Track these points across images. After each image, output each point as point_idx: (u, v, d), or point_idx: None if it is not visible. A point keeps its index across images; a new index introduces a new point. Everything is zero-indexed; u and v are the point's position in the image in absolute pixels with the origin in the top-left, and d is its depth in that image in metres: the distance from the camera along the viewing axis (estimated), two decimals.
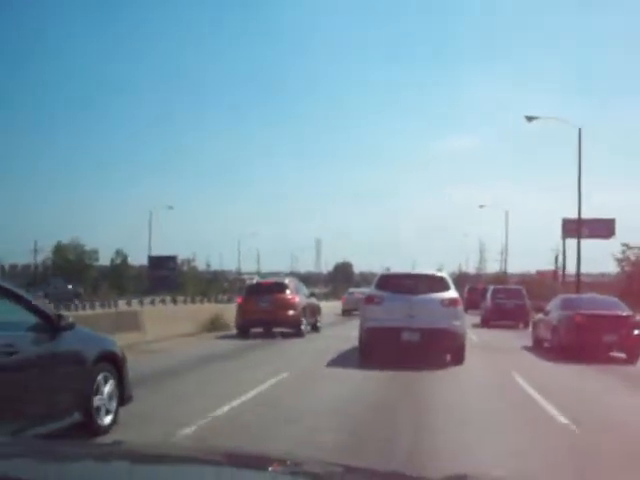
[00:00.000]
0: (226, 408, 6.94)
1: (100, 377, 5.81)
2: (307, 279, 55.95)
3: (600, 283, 34.26)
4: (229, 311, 19.46)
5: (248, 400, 7.52)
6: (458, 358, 11.17)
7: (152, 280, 57.10)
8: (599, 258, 53.85)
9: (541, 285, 40.39)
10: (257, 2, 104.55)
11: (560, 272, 42.54)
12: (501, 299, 24.33)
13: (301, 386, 8.92)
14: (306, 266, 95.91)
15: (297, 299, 17.29)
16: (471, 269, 74.48)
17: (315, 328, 18.71)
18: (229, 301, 31.55)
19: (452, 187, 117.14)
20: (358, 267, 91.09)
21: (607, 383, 9.81)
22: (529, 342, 15.69)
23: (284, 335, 16.54)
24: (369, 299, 11.73)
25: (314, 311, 18.97)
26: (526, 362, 12.42)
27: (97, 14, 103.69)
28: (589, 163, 26.33)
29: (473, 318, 23.64)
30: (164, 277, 57.33)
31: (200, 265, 67.60)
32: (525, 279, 47.20)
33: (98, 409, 5.71)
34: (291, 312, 16.88)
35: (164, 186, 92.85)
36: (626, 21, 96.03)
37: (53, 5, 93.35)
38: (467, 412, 7.17)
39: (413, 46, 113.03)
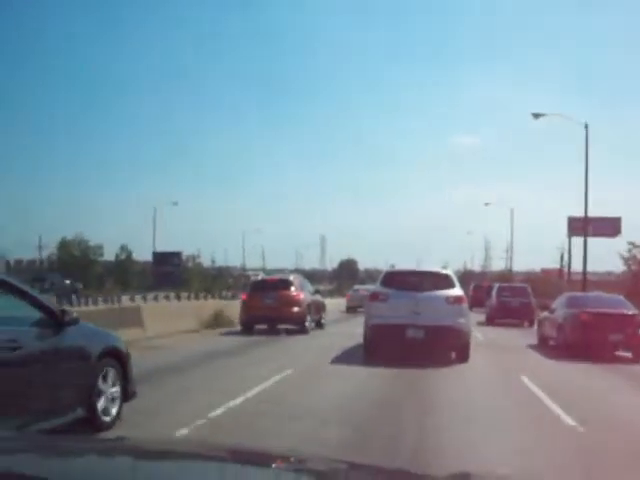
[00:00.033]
0: (230, 404, 6.92)
1: (104, 373, 5.80)
2: (312, 276, 55.86)
3: (606, 281, 34.13)
4: (232, 307, 19.44)
5: (252, 397, 7.50)
6: (463, 356, 11.13)
7: (156, 276, 57.22)
8: (605, 256, 53.63)
9: (546, 283, 40.29)
10: (257, 2, 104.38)
11: (565, 270, 42.41)
12: (506, 297, 24.26)
13: (305, 383, 8.90)
14: (311, 263, 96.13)
15: (302, 296, 17.28)
16: (476, 267, 74.50)
17: (319, 325, 18.70)
18: (233, 297, 31.50)
19: (457, 185, 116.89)
20: (363, 264, 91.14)
21: (613, 382, 9.75)
22: (534, 340, 15.63)
23: (288, 332, 16.52)
24: (374, 296, 11.70)
25: (319, 308, 18.96)
26: (531, 360, 12.36)
27: (98, 14, 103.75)
28: (592, 162, 26.12)
29: (478, 316, 23.58)
30: (169, 273, 57.41)
31: (205, 261, 67.75)
32: (530, 277, 47.09)
33: (101, 405, 5.70)
34: (296, 309, 16.87)
35: (168, 183, 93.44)
36: (626, 21, 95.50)
37: (54, 5, 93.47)
38: (472, 410, 7.14)
39: (415, 46, 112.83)
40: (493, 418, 6.72)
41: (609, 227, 40.16)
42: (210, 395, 7.48)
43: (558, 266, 47.91)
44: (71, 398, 5.43)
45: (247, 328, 16.88)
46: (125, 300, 34.39)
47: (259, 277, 26.69)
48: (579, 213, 29.27)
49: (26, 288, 5.57)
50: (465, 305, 11.59)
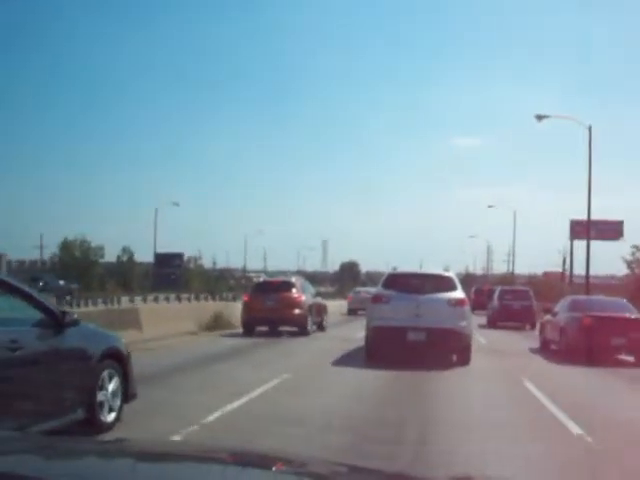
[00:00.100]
0: (229, 408, 6.86)
1: (104, 374, 5.78)
2: (313, 278, 55.95)
3: (608, 285, 34.10)
4: (232, 309, 19.35)
5: (250, 401, 7.43)
6: (464, 359, 11.09)
7: (158, 277, 57.19)
8: (607, 260, 53.57)
9: (549, 286, 40.21)
10: (258, 3, 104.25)
11: (568, 274, 42.32)
12: (508, 300, 24.24)
13: (306, 386, 8.86)
14: (313, 265, 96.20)
15: (303, 298, 17.25)
16: (478, 270, 74.34)
17: (321, 327, 18.66)
18: (234, 299, 31.43)
19: (459, 188, 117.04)
20: (364, 267, 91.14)
21: (616, 387, 9.68)
22: (536, 344, 15.57)
23: (289, 334, 16.47)
24: (376, 298, 11.68)
25: (320, 310, 18.93)
26: (534, 364, 12.29)
27: (98, 15, 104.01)
28: (595, 164, 25.94)
29: (479, 319, 23.53)
30: (170, 274, 57.41)
31: (206, 263, 67.81)
32: (532, 280, 47.03)
33: (102, 406, 5.68)
34: (297, 311, 16.83)
35: (170, 184, 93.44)
36: (627, 21, 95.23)
37: (54, 6, 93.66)
38: (474, 416, 7.07)
39: (415, 46, 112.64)
40: (496, 425, 6.53)
41: (612, 230, 40.15)
42: (208, 399, 7.33)
43: (560, 269, 47.82)
44: (71, 399, 5.41)
45: (248, 330, 16.84)
46: (125, 302, 34.30)
47: (261, 279, 26.67)
48: (581, 216, 29.21)
49: (27, 288, 5.56)
50: (467, 308, 11.55)
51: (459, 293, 11.46)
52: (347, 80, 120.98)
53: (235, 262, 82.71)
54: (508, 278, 49.11)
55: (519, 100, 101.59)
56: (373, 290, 15.45)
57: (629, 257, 33.91)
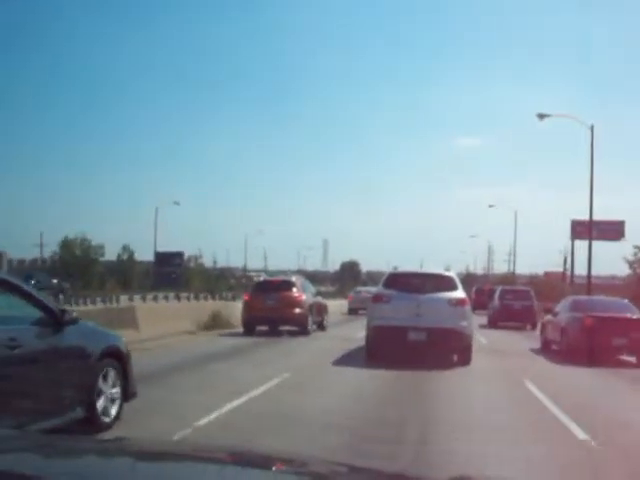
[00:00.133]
0: (228, 407, 6.82)
1: (104, 372, 5.76)
2: (314, 277, 55.91)
3: (610, 285, 34.08)
4: (231, 309, 19.29)
5: (251, 399, 7.41)
6: (465, 359, 11.06)
7: (158, 276, 57.19)
8: (608, 260, 53.49)
9: (549, 287, 40.19)
10: (258, 3, 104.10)
11: (569, 274, 42.29)
12: (509, 300, 24.23)
13: (306, 386, 8.84)
14: (313, 265, 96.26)
15: (304, 297, 17.22)
16: (479, 270, 74.32)
17: (321, 327, 18.63)
18: (234, 298, 31.39)
19: (459, 187, 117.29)
20: (365, 266, 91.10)
21: (619, 388, 9.63)
22: (537, 344, 15.54)
23: (289, 334, 16.44)
24: (377, 297, 11.65)
25: (320, 310, 18.90)
26: (535, 365, 12.24)
27: (99, 15, 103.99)
28: (595, 164, 25.77)
29: (480, 319, 23.50)
30: (170, 273, 57.40)
31: (207, 262, 67.82)
32: (533, 280, 47.01)
33: (101, 405, 5.66)
34: (297, 310, 16.80)
35: (170, 183, 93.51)
36: (627, 21, 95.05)
37: (55, 6, 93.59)
38: (475, 418, 7.01)
39: (415, 47, 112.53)
40: (497, 427, 6.43)
41: (613, 230, 40.16)
42: (202, 400, 7.27)
43: (561, 269, 47.80)
44: (71, 398, 5.39)
45: (249, 329, 16.81)
46: (124, 300, 34.25)
47: (261, 278, 26.64)
48: (582, 216, 29.16)
49: (26, 287, 5.54)
50: (468, 307, 11.52)
51: (460, 293, 11.43)
52: (347, 80, 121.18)
53: (235, 261, 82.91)
54: (509, 278, 49.10)
55: (519, 100, 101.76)
56: (374, 290, 15.43)
57: (631, 257, 33.90)
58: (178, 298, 38.43)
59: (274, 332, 16.71)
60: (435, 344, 10.92)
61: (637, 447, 5.81)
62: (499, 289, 26.42)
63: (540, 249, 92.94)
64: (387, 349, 11.25)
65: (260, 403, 7.28)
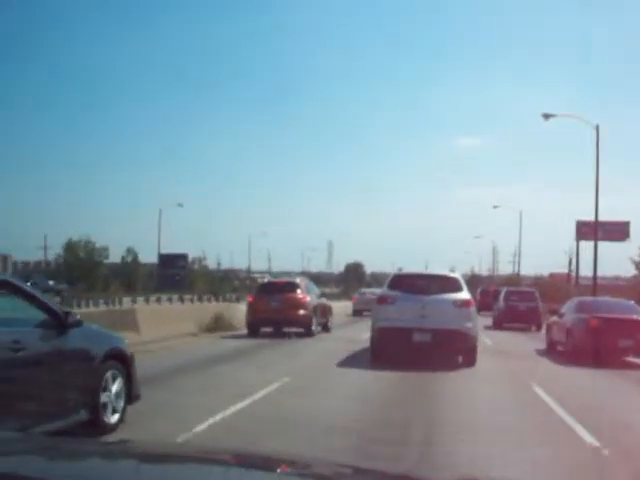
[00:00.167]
0: (232, 410, 6.80)
1: (108, 375, 5.75)
2: (318, 279, 55.85)
3: (615, 286, 33.93)
4: (234, 310, 19.22)
5: (255, 402, 7.39)
6: (470, 360, 11.02)
7: (161, 278, 57.21)
8: (613, 261, 53.37)
9: (554, 288, 40.06)
10: (258, 3, 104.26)
11: (574, 275, 42.16)
12: (514, 301, 24.18)
13: (311, 387, 8.81)
14: (317, 266, 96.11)
15: (308, 299, 17.19)
16: (484, 271, 74.20)
17: (326, 328, 18.60)
18: (238, 300, 31.34)
19: (462, 188, 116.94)
20: (370, 267, 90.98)
21: (627, 391, 9.54)
22: (542, 345, 15.47)
23: (293, 335, 16.39)
24: (381, 299, 11.62)
25: (325, 311, 18.87)
26: (541, 366, 12.13)
27: (99, 15, 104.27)
28: (600, 164, 25.62)
29: (485, 320, 23.43)
30: (174, 275, 57.43)
31: (211, 264, 67.86)
32: (538, 282, 46.86)
33: (105, 407, 5.66)
34: (302, 312, 16.78)
35: (173, 184, 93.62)
36: (627, 21, 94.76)
37: (56, 6, 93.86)
38: (480, 420, 6.97)
39: (416, 48, 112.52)
40: (502, 429, 6.35)
41: (618, 231, 40.01)
42: (206, 402, 7.24)
43: (566, 270, 47.63)
44: (74, 400, 5.38)
45: (253, 331, 16.79)
46: (127, 302, 34.25)
47: (265, 279, 26.63)
48: (586, 216, 29.04)
49: (30, 289, 5.54)
50: (473, 309, 11.48)
51: (465, 294, 11.39)
52: (347, 80, 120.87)
53: (239, 263, 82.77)
54: (514, 279, 48.98)
55: (519, 100, 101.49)
56: (378, 291, 15.39)
57: (637, 258, 33.76)
58: (181, 300, 38.41)
59: (278, 334, 16.68)
60: (440, 345, 10.88)
61: None
62: (504, 290, 26.38)
63: (545, 250, 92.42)
64: (392, 350, 11.21)
65: (264, 406, 7.26)
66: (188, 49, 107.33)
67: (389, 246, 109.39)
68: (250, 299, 17.87)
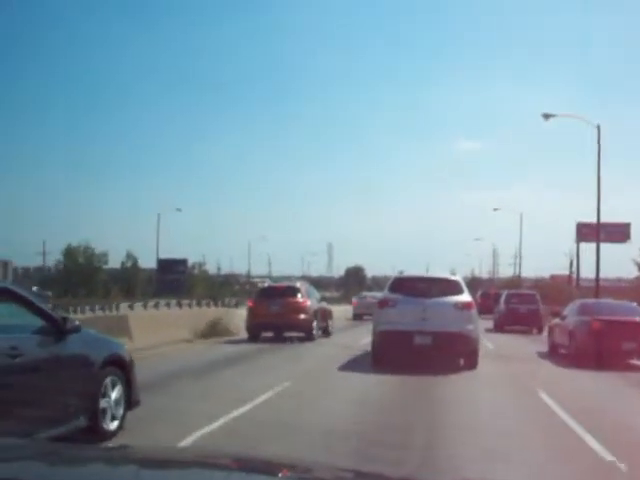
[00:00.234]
0: (232, 415, 6.75)
1: (107, 381, 5.72)
2: (318, 283, 55.76)
3: (617, 288, 33.87)
4: (232, 316, 19.08)
5: (255, 407, 7.34)
6: (471, 363, 10.97)
7: (160, 283, 57.13)
8: (613, 263, 53.33)
9: (556, 290, 39.99)
10: (259, 3, 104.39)
11: (574, 276, 42.11)
12: (515, 304, 24.13)
13: (312, 392, 8.75)
14: (318, 270, 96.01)
15: (308, 303, 17.15)
16: (484, 273, 74.16)
17: (326, 333, 18.55)
18: (237, 305, 31.21)
19: (463, 190, 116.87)
20: (370, 271, 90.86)
21: (628, 392, 9.50)
22: (544, 348, 15.40)
23: (294, 340, 16.31)
24: (383, 302, 11.58)
25: (325, 315, 18.82)
26: (545, 370, 12.03)
27: (100, 17, 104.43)
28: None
29: (486, 323, 23.38)
30: (174, 280, 57.35)
31: (211, 269, 67.84)
32: (539, 284, 46.79)
33: (104, 413, 5.61)
34: (302, 316, 16.73)
35: (173, 188, 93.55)
36: (627, 21, 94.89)
37: (56, 8, 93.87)
38: (482, 424, 6.93)
39: (424, 45, 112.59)
40: (505, 434, 6.22)
41: (619, 232, 40.01)
42: (205, 408, 7.18)
43: (567, 272, 47.58)
44: (74, 406, 5.34)
45: (253, 335, 16.72)
46: (124, 308, 34.15)
47: (265, 284, 26.58)
48: (587, 218, 28.96)
49: (28, 296, 5.51)
50: (474, 311, 11.44)
51: (466, 296, 11.36)
52: (347, 80, 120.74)
53: (239, 267, 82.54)
54: (515, 281, 48.97)
55: (519, 100, 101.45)
56: (379, 295, 15.34)
57: None
58: (179, 305, 38.31)
59: (278, 338, 16.62)
60: (441, 348, 10.84)
61: None
62: (505, 293, 26.34)
63: (545, 251, 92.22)
64: (393, 354, 11.16)
65: (264, 410, 7.21)
66: (189, 51, 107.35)
67: (389, 249, 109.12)
68: (250, 304, 17.82)
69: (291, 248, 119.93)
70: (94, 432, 5.40)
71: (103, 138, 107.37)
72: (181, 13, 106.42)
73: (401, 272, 13.69)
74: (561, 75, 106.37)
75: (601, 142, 25.97)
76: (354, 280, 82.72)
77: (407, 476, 2.69)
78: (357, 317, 30.04)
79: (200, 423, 6.16)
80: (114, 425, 5.71)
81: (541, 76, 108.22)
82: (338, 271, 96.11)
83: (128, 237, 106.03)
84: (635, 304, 14.43)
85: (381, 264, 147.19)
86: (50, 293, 43.34)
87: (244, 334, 16.98)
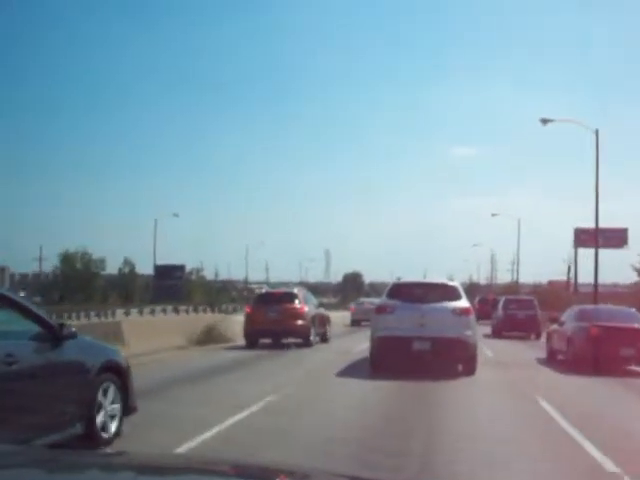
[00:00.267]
0: (230, 421, 6.72)
1: (103, 387, 5.68)
2: (316, 289, 55.82)
3: (615, 293, 33.87)
4: (229, 322, 18.99)
5: (253, 413, 7.30)
6: (469, 368, 10.95)
7: (158, 289, 56.95)
8: (611, 268, 53.36)
9: (554, 295, 40.01)
10: (259, 3, 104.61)
11: (573, 282, 42.14)
12: (513, 310, 24.14)
13: (310, 398, 8.72)
14: (315, 276, 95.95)
15: (306, 309, 17.12)
16: (482, 279, 74.18)
17: (324, 339, 18.50)
18: (234, 311, 31.14)
19: (460, 196, 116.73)
20: (368, 277, 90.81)
21: (626, 398, 9.48)
22: (542, 354, 15.37)
23: (291, 346, 16.25)
24: (381, 308, 11.56)
25: (323, 321, 18.79)
26: (543, 376, 11.98)
27: (101, 17, 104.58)
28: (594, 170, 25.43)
29: (484, 329, 23.36)
30: (171, 286, 57.19)
31: (208, 275, 67.75)
32: (537, 289, 46.81)
33: (101, 420, 5.56)
34: (300, 322, 16.70)
35: (170, 193, 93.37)
36: (627, 21, 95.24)
37: (57, 8, 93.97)
38: (480, 430, 6.89)
39: (424, 45, 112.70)
40: (503, 440, 6.20)
41: (616, 238, 40.10)
42: (202, 414, 7.14)
43: (565, 278, 47.62)
44: (70, 413, 5.31)
45: (251, 342, 16.67)
46: (120, 314, 34.02)
47: (263, 290, 26.55)
48: (585, 223, 28.97)
49: (24, 302, 5.48)
50: (472, 317, 11.43)
51: (464, 302, 11.35)
52: (347, 80, 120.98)
53: (237, 274, 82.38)
54: (512, 287, 48.96)
55: (518, 103, 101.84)
56: (377, 301, 15.32)
57: (638, 265, 33.71)
58: (176, 311, 38.20)
59: (276, 344, 16.56)
60: (440, 354, 10.82)
61: None
62: (503, 299, 26.34)
63: (543, 257, 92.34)
64: (392, 360, 11.14)
65: (262, 417, 7.17)
66: (189, 51, 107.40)
67: (387, 255, 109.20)
68: (248, 310, 17.77)
69: (289, 254, 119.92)
70: (90, 439, 5.37)
71: (103, 138, 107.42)
72: (181, 13, 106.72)
73: (399, 278, 13.66)
74: (561, 76, 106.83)
75: (600, 147, 26.00)
76: (352, 286, 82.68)
77: None
78: (355, 323, 30.03)
79: (197, 429, 6.13)
80: (111, 432, 5.68)
81: (540, 77, 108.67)
82: (336, 277, 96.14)
83: (125, 243, 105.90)
84: (634, 310, 14.42)
85: (379, 270, 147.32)
86: (39, 299, 43.13)
87: (241, 341, 16.92)
